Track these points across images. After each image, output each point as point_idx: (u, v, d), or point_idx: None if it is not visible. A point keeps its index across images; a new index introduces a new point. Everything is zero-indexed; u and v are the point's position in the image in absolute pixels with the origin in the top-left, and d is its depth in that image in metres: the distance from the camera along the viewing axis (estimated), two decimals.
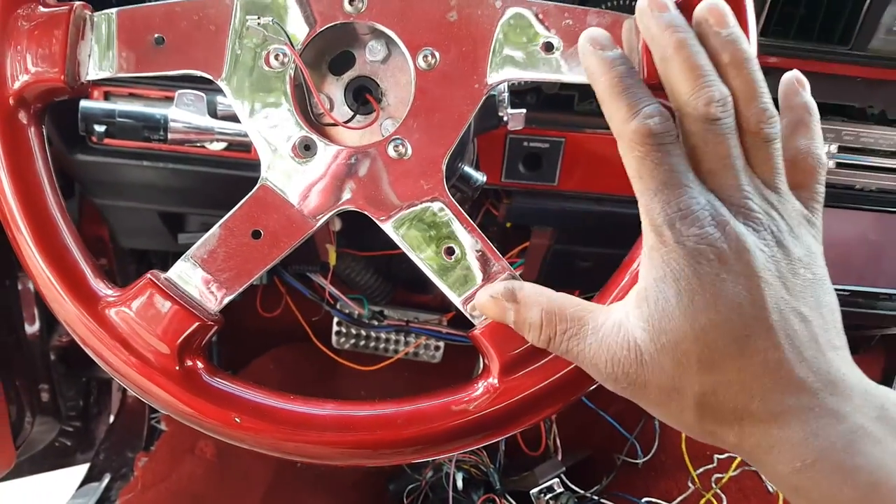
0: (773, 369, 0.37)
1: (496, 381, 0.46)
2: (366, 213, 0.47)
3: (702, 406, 0.39)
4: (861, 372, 0.39)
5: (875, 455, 0.36)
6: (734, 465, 1.07)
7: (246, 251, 0.47)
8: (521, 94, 0.81)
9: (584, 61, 0.41)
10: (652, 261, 0.39)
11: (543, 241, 0.98)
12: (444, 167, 0.47)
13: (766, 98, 0.40)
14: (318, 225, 0.48)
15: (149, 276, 0.47)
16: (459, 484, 1.13)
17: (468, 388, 0.47)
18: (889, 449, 0.36)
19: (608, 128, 0.40)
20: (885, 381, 1.41)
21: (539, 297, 0.44)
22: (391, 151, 0.47)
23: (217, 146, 0.68)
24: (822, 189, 0.43)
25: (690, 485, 1.05)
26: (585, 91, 0.81)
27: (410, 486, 1.18)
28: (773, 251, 0.39)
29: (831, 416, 0.36)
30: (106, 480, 1.16)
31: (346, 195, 0.47)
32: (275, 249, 0.47)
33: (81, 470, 1.20)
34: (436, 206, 0.47)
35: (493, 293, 0.45)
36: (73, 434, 1.20)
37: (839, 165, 0.84)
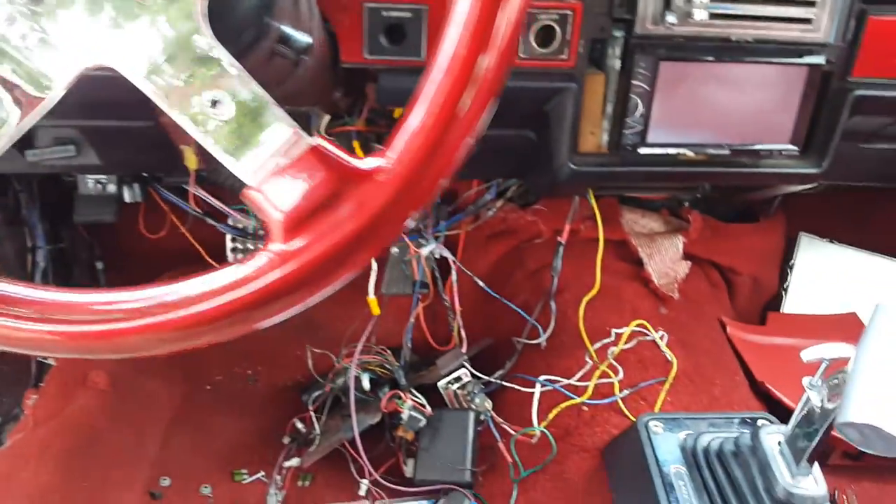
0: None
1: (282, 244, 0.40)
2: (118, 70, 0.40)
3: None
4: None
5: None
6: (625, 337, 1.08)
7: None
8: None
9: None
10: None
11: None
12: None
13: None
14: (51, 95, 0.40)
15: None
16: (367, 385, 1.12)
17: (250, 257, 0.41)
18: None
19: None
20: (788, 247, 1.43)
21: None
22: None
23: None
24: None
25: (588, 360, 1.04)
26: None
27: (317, 394, 1.16)
28: None
29: None
30: None
31: (90, 52, 0.40)
32: None
33: None
34: (198, 40, 0.39)
35: None
36: None
37: (713, 16, 0.80)
